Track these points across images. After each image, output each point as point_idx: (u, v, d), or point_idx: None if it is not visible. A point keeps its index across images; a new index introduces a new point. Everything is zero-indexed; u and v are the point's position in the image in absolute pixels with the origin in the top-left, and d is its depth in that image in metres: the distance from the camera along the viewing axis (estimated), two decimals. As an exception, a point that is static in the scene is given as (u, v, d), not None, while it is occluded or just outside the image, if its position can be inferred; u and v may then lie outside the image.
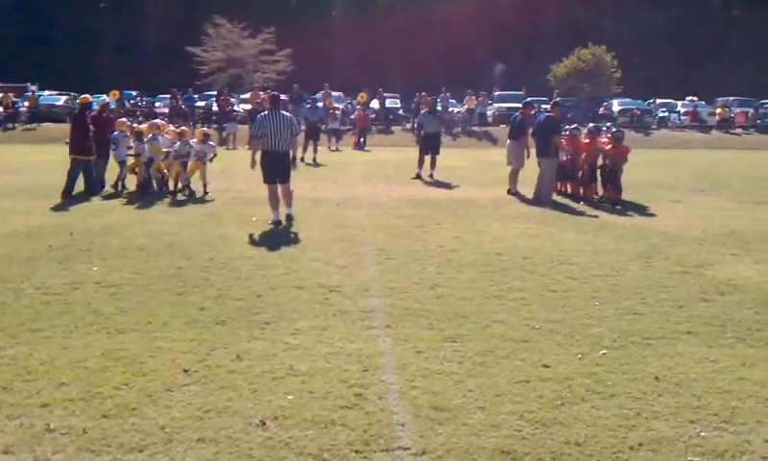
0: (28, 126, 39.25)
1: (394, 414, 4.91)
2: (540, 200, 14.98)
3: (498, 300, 7.70)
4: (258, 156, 12.39)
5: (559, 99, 17.80)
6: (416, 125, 23.91)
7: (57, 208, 13.77)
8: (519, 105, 18.78)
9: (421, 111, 22.42)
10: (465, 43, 60.73)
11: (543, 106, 42.54)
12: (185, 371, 5.60)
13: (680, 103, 45.86)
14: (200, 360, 5.83)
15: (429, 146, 19.49)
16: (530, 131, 16.07)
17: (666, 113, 44.00)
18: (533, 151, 15.91)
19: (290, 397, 5.16)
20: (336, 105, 36.92)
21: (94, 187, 15.73)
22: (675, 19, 62.42)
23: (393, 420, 4.83)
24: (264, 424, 4.74)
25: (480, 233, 11.55)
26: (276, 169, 12.14)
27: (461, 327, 6.72)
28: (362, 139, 33.65)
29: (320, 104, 33.30)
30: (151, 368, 5.66)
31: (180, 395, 5.18)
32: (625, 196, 15.24)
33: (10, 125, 39.07)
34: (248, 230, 11.44)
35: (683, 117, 44.22)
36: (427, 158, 19.43)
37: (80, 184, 15.70)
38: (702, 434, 4.70)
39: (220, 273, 8.72)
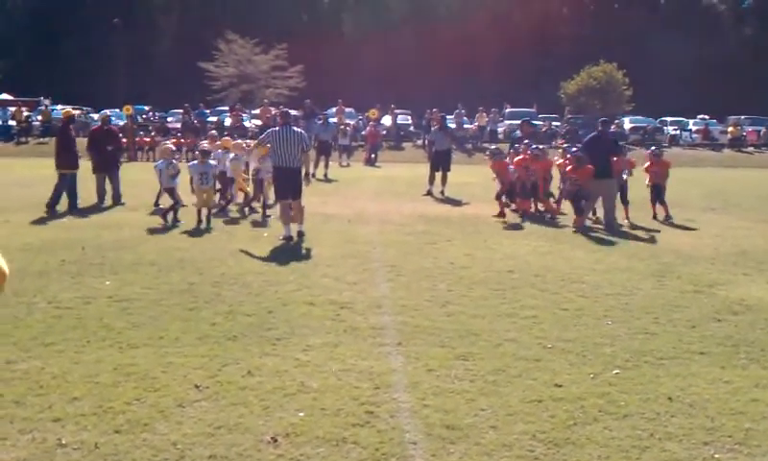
0: (41, 140, 39.46)
1: (405, 432, 4.89)
2: (610, 225, 14.13)
3: (510, 318, 7.68)
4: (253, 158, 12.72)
5: (606, 118, 17.29)
6: (427, 142, 23.99)
7: (66, 223, 13.81)
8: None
9: (432, 128, 22.46)
10: (476, 59, 60.89)
11: (554, 123, 42.84)
12: (197, 386, 5.60)
13: (691, 121, 45.76)
14: (211, 376, 5.84)
15: (440, 163, 19.52)
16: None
17: (678, 131, 43.92)
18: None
19: (301, 414, 5.15)
20: (347, 121, 37.01)
21: (88, 199, 15.80)
22: (687, 37, 62.43)
23: (404, 438, 4.81)
24: (275, 441, 4.74)
25: (491, 251, 11.53)
26: (288, 185, 12.18)
27: (472, 346, 6.70)
28: (373, 155, 33.70)
29: (333, 120, 33.39)
30: (162, 383, 5.66)
31: (191, 411, 5.18)
32: (637, 214, 15.21)
33: (23, 139, 39.30)
34: (259, 246, 11.46)
35: (694, 135, 44.11)
36: (438, 175, 19.44)
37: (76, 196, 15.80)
38: (716, 456, 4.66)
39: (231, 288, 8.74)
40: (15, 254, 10.59)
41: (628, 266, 10.51)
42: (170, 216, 13.67)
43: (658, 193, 15.78)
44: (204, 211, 13.38)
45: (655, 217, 15.46)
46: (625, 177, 15.53)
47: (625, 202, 15.19)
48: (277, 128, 12.72)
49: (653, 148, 15.31)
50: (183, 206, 14.31)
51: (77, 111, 43.28)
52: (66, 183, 15.58)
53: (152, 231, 12.80)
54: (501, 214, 15.12)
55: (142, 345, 6.59)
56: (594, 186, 14.31)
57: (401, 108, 43.41)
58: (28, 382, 5.65)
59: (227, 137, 18.26)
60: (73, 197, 15.69)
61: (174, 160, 14.52)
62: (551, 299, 8.51)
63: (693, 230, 14.28)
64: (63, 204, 15.50)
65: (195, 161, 14.01)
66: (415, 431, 4.91)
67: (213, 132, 21.71)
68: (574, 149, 15.74)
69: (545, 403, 5.40)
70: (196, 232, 12.43)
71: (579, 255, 11.28)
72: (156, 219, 13.91)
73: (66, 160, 15.63)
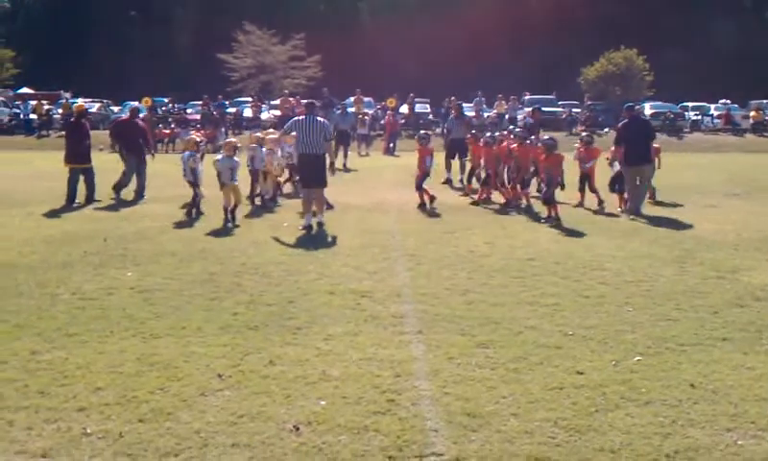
0: (62, 133, 39.71)
1: (427, 420, 4.91)
2: (637, 210, 14.14)
3: (530, 306, 7.67)
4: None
5: (632, 103, 17.19)
6: (444, 130, 23.96)
7: (88, 215, 13.92)
8: (550, 108, 18.72)
9: (450, 116, 22.45)
10: (494, 46, 60.58)
11: (574, 110, 42.58)
12: (219, 376, 5.64)
13: (713, 106, 45.30)
14: (233, 365, 5.87)
15: (456, 150, 19.47)
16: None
17: (699, 117, 43.50)
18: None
19: (323, 402, 5.18)
20: (366, 110, 36.97)
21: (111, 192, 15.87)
22: (709, 21, 61.81)
23: (426, 426, 4.82)
24: (297, 429, 4.76)
25: (511, 239, 11.50)
26: (312, 172, 12.30)
27: (493, 333, 6.70)
28: (392, 144, 33.64)
29: (352, 109, 33.33)
30: (185, 373, 5.71)
31: (214, 400, 5.22)
32: (658, 199, 15.10)
33: (44, 132, 39.58)
34: (279, 236, 11.49)
35: (716, 120, 43.67)
36: (456, 163, 19.38)
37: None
38: (739, 442, 4.64)
39: (252, 278, 8.78)
40: (39, 245, 10.70)
41: (649, 252, 10.45)
42: (193, 210, 13.61)
43: (586, 181, 15.15)
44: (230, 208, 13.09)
45: (581, 204, 15.04)
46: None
47: (620, 189, 15.03)
48: (302, 117, 12.81)
49: (547, 138, 14.95)
50: (203, 197, 14.33)
51: (97, 104, 43.76)
52: (76, 178, 15.55)
53: (172, 222, 12.87)
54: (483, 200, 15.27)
55: (165, 335, 6.64)
56: (634, 172, 14.41)
57: (420, 96, 43.28)
58: (52, 373, 5.71)
59: (270, 132, 17.90)
60: (91, 190, 15.73)
61: (197, 153, 14.30)
62: (572, 286, 8.48)
63: (715, 215, 14.15)
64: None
65: (221, 156, 13.69)
66: (436, 419, 4.92)
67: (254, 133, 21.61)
68: (546, 137, 15.50)
69: (567, 391, 5.39)
70: (216, 223, 12.48)
71: (600, 242, 11.22)
72: (177, 212, 13.97)
73: (78, 155, 15.63)
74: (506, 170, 15.54)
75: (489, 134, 16.42)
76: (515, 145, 15.21)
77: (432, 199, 14.83)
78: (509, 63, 58.47)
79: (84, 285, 8.39)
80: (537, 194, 14.82)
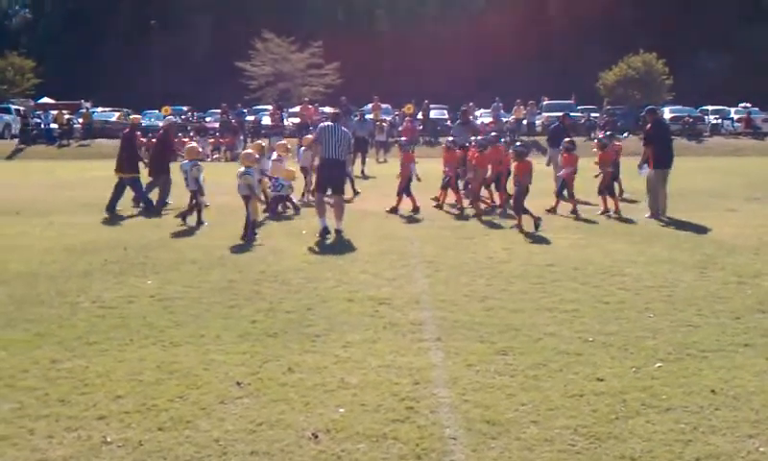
0: (82, 142, 40.08)
1: (446, 428, 4.89)
2: (663, 212, 14.39)
3: (550, 312, 7.63)
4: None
5: (654, 106, 17.32)
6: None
7: (108, 223, 14.02)
8: (570, 113, 18.75)
9: (456, 122, 22.41)
10: (512, 52, 60.50)
11: (593, 115, 42.41)
12: (238, 383, 5.65)
13: (733, 109, 44.99)
14: (252, 373, 5.88)
15: None
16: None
17: (719, 120, 43.21)
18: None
19: (342, 410, 5.17)
20: (384, 117, 37.04)
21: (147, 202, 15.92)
22: (727, 24, 61.47)
23: (445, 433, 4.80)
24: (316, 437, 4.76)
25: (529, 244, 11.47)
26: (331, 177, 12.46)
27: (512, 340, 6.67)
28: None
29: (369, 116, 33.39)
30: (205, 381, 5.72)
31: (233, 407, 5.23)
32: (678, 204, 15.00)
33: (65, 141, 39.95)
34: (297, 243, 11.52)
35: (736, 124, 43.37)
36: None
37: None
38: (761, 449, 4.59)
39: (271, 286, 8.80)
40: (59, 254, 10.78)
41: (669, 258, 10.37)
42: (191, 217, 13.64)
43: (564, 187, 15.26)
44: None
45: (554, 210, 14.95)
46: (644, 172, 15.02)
47: (610, 193, 15.00)
48: (329, 123, 13.03)
49: (518, 144, 14.91)
50: (207, 206, 14.38)
51: (117, 114, 44.14)
52: (122, 188, 15.67)
53: (192, 231, 12.94)
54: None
55: (184, 343, 6.66)
56: (661, 175, 14.52)
57: (438, 102, 43.30)
58: (73, 381, 5.74)
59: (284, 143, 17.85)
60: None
61: (199, 161, 14.36)
62: (592, 292, 8.44)
63: (736, 220, 14.03)
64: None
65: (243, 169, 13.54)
66: (455, 426, 4.90)
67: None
68: (519, 144, 15.63)
69: (587, 397, 5.36)
70: (234, 231, 12.51)
71: (619, 248, 11.16)
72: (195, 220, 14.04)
73: (128, 165, 15.76)
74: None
75: (451, 140, 16.58)
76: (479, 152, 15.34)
77: (416, 209, 15.14)
78: (527, 69, 58.47)
79: (104, 294, 8.44)
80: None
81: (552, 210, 14.84)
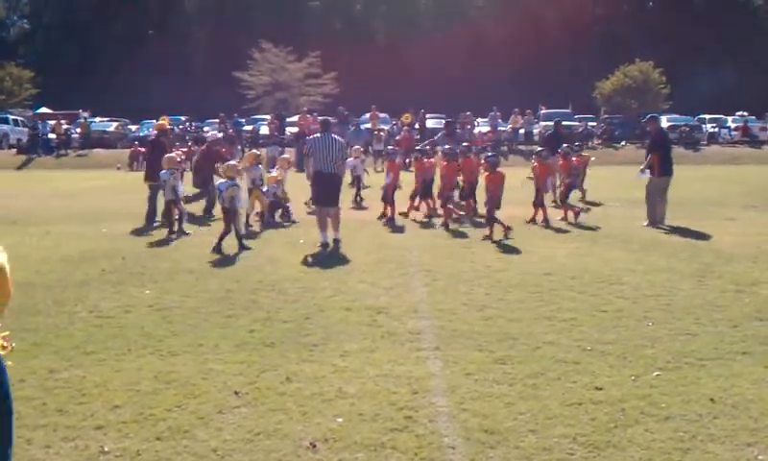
0: (80, 152, 40.06)
1: (444, 437, 4.88)
2: (662, 220, 14.58)
3: (548, 321, 7.63)
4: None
5: (655, 115, 17.56)
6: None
7: (106, 233, 13.98)
8: (567, 122, 18.89)
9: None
10: (510, 61, 60.64)
11: (590, 124, 42.51)
12: (236, 393, 5.64)
13: (730, 118, 45.08)
14: (250, 382, 5.87)
15: None
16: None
17: (716, 129, 43.29)
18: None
19: (339, 419, 5.16)
20: (381, 126, 37.08)
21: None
22: (724, 34, 61.66)
23: (443, 443, 4.80)
24: (314, 446, 4.75)
25: (527, 253, 11.46)
26: (327, 190, 12.31)
27: (511, 349, 6.66)
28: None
29: (367, 125, 33.39)
30: (202, 390, 5.71)
31: (231, 417, 5.21)
32: (676, 213, 15.01)
33: (62, 151, 39.92)
34: (295, 253, 11.51)
35: (733, 133, 43.44)
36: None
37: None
38: (760, 457, 4.58)
39: (268, 295, 8.79)
40: (56, 264, 10.77)
41: (668, 266, 10.38)
42: (174, 227, 13.56)
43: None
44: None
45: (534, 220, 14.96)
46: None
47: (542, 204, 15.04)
48: (319, 135, 12.89)
49: (490, 155, 15.03)
50: (186, 215, 14.28)
51: (115, 124, 44.17)
52: (155, 195, 15.52)
53: (189, 241, 12.92)
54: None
55: (182, 352, 6.65)
56: (664, 182, 14.69)
57: (435, 112, 43.34)
58: (70, 391, 5.72)
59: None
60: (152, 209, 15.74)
61: (177, 170, 14.19)
62: (590, 301, 8.44)
63: (733, 228, 14.05)
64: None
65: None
66: (453, 436, 4.89)
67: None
68: (490, 154, 15.84)
69: (585, 406, 5.35)
70: (232, 240, 12.50)
71: (617, 256, 11.16)
72: (194, 229, 14.03)
73: (154, 173, 15.65)
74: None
75: (419, 147, 16.79)
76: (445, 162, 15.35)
77: (393, 215, 15.30)
78: (525, 78, 58.53)
79: (101, 303, 8.42)
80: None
81: (564, 218, 14.97)
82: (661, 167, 14.68)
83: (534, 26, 64.99)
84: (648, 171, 14.80)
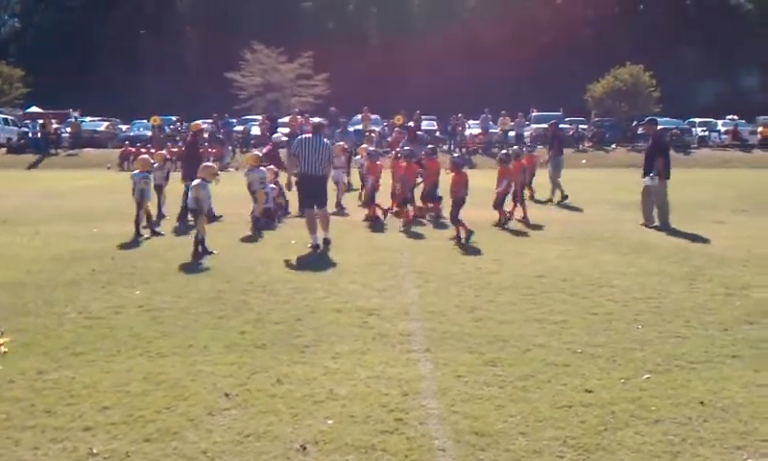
0: (70, 152, 39.91)
1: (434, 439, 4.87)
2: (666, 224, 14.68)
3: (539, 323, 7.63)
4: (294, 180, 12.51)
5: (654, 118, 17.74)
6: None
7: (97, 233, 13.91)
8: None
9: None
10: (501, 63, 60.75)
11: (581, 126, 42.62)
12: (226, 395, 5.62)
13: (720, 122, 45.26)
14: (240, 384, 5.85)
15: None
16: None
17: (707, 132, 43.46)
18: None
19: (330, 421, 5.15)
20: (373, 127, 37.08)
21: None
22: (714, 37, 61.91)
23: (433, 445, 4.79)
24: (305, 448, 4.74)
25: (519, 256, 11.47)
26: (313, 193, 12.18)
27: (501, 352, 6.67)
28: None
29: (358, 127, 33.36)
30: (192, 392, 5.69)
31: (221, 419, 5.20)
32: (672, 217, 15.08)
33: (52, 151, 39.74)
34: (286, 254, 11.48)
35: (723, 136, 43.62)
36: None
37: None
38: (750, 461, 4.60)
39: (259, 296, 8.77)
40: (46, 264, 10.72)
41: (658, 269, 10.40)
42: (146, 229, 13.46)
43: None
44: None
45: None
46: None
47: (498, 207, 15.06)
48: (308, 136, 12.72)
49: (455, 156, 15.16)
50: (153, 218, 14.20)
51: (105, 123, 44.02)
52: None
53: (180, 241, 12.88)
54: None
55: (172, 353, 6.63)
56: (662, 186, 14.76)
57: (428, 113, 43.37)
58: (59, 392, 5.70)
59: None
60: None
61: (149, 174, 13.91)
62: (580, 303, 8.45)
63: (724, 232, 14.09)
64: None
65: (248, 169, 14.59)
66: (444, 438, 4.89)
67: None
68: (456, 155, 16.06)
69: (575, 409, 5.36)
70: (224, 240, 12.48)
71: (608, 259, 11.18)
72: (185, 230, 13.99)
73: (190, 173, 15.60)
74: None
75: (372, 149, 16.85)
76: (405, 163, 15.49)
77: (372, 218, 15.43)
78: (516, 80, 58.70)
79: (91, 304, 8.39)
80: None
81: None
82: (666, 170, 14.75)
83: (527, 29, 65.10)
84: (657, 176, 14.81)
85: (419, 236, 13.52)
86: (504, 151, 16.68)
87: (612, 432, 4.97)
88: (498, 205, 14.85)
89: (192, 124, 17.58)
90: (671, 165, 15.12)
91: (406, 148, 16.39)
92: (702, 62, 60.49)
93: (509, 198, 15.19)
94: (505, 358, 6.47)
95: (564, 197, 19.16)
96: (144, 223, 13.47)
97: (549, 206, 18.64)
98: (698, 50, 61.78)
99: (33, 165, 36.98)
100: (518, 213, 15.42)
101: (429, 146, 18.10)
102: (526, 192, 17.07)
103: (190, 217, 14.23)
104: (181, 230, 14.19)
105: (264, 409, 5.36)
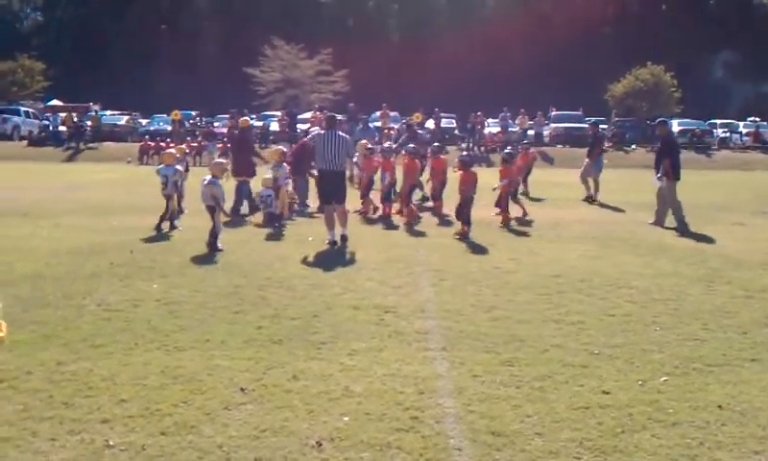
0: (91, 145, 40.15)
1: (450, 438, 4.87)
2: (682, 224, 14.54)
3: (556, 323, 7.60)
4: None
5: (665, 118, 17.70)
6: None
7: (116, 226, 13.99)
8: (577, 124, 19.01)
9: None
10: (521, 62, 60.59)
11: (601, 126, 42.38)
12: (242, 389, 5.64)
13: (741, 123, 44.89)
14: (257, 379, 5.87)
15: None
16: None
17: (728, 134, 43.12)
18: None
19: (346, 418, 5.15)
20: (392, 125, 37.07)
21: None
22: (736, 37, 61.43)
23: (449, 444, 4.78)
24: (320, 445, 4.74)
25: (536, 255, 11.43)
26: (331, 189, 12.18)
27: (518, 351, 6.65)
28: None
29: (378, 123, 33.37)
30: (209, 386, 5.71)
31: (237, 413, 5.21)
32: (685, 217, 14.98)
33: (73, 144, 40.00)
34: (304, 250, 11.50)
35: (744, 138, 43.26)
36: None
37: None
38: (768, 466, 4.56)
39: (276, 292, 8.78)
40: (66, 256, 10.80)
41: (676, 271, 10.34)
42: (166, 224, 13.39)
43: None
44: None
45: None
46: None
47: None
48: (324, 131, 12.60)
49: (464, 154, 15.14)
50: (182, 213, 14.31)
51: (125, 117, 44.27)
52: (244, 189, 15.62)
53: (199, 235, 12.90)
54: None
55: (189, 348, 6.66)
56: (671, 186, 14.64)
57: (446, 111, 43.31)
58: (77, 384, 5.73)
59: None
60: (251, 200, 15.74)
61: (179, 167, 13.97)
62: (598, 304, 8.41)
63: (743, 234, 13.98)
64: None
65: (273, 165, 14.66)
66: (460, 437, 4.88)
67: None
68: (464, 154, 16.02)
69: (592, 410, 5.33)
70: (242, 236, 12.52)
71: (627, 260, 11.12)
72: (203, 225, 14.02)
73: (244, 168, 15.72)
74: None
75: (369, 147, 16.86)
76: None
77: (368, 212, 15.53)
78: (536, 79, 58.50)
79: (109, 297, 8.44)
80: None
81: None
82: (674, 171, 14.64)
83: (546, 27, 64.92)
84: (664, 176, 14.72)
85: (434, 234, 13.50)
86: (507, 150, 16.65)
87: (630, 435, 4.94)
88: (502, 204, 14.88)
89: (241, 119, 17.62)
90: (681, 166, 14.98)
91: (411, 146, 16.37)
92: (730, 64, 59.98)
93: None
94: (522, 358, 6.46)
95: (590, 197, 19.09)
96: (167, 216, 13.49)
97: (593, 205, 18.55)
98: (725, 52, 61.26)
99: (68, 159, 37.19)
100: (517, 212, 15.46)
101: (435, 144, 18.06)
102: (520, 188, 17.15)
103: (243, 210, 14.65)
104: (243, 222, 14.63)
105: (280, 405, 5.37)
